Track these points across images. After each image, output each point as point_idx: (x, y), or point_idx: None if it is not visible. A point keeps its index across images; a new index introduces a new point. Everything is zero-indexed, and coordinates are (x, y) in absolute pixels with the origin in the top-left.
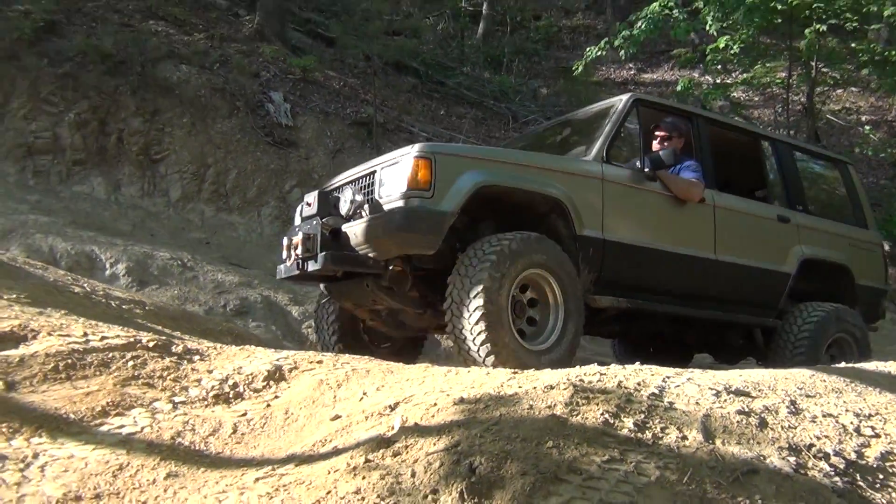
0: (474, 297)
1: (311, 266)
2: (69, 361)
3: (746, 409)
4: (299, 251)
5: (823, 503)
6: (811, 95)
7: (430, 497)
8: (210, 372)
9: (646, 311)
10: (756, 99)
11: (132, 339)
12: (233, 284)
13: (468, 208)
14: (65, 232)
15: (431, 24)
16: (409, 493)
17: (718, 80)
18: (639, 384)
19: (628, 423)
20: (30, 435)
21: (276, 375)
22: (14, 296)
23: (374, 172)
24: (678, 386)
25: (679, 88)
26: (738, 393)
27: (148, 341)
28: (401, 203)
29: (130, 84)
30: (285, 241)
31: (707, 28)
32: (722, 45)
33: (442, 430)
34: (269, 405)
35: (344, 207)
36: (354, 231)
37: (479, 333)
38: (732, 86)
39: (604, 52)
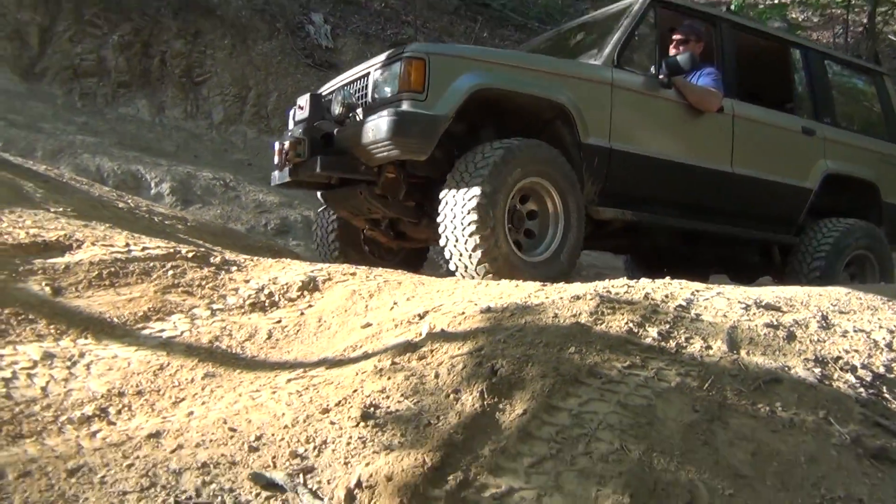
0: (469, 205)
1: (302, 172)
2: (112, 270)
3: (775, 323)
4: (289, 156)
5: (846, 412)
6: (872, 15)
7: (451, 396)
8: (247, 282)
9: (654, 225)
10: (815, 20)
11: (172, 250)
12: (273, 204)
13: (466, 113)
14: (111, 152)
15: None
16: (431, 392)
17: (775, 0)
18: (666, 296)
19: (652, 332)
20: (76, 336)
21: (310, 286)
22: (61, 209)
23: (367, 75)
24: (707, 299)
25: (733, 7)
26: (769, 307)
27: (187, 252)
28: (392, 106)
29: (172, 6)
30: (276, 145)
31: None
32: None
33: (467, 336)
34: (302, 313)
35: (336, 110)
36: (345, 135)
37: (473, 244)
38: (789, 5)
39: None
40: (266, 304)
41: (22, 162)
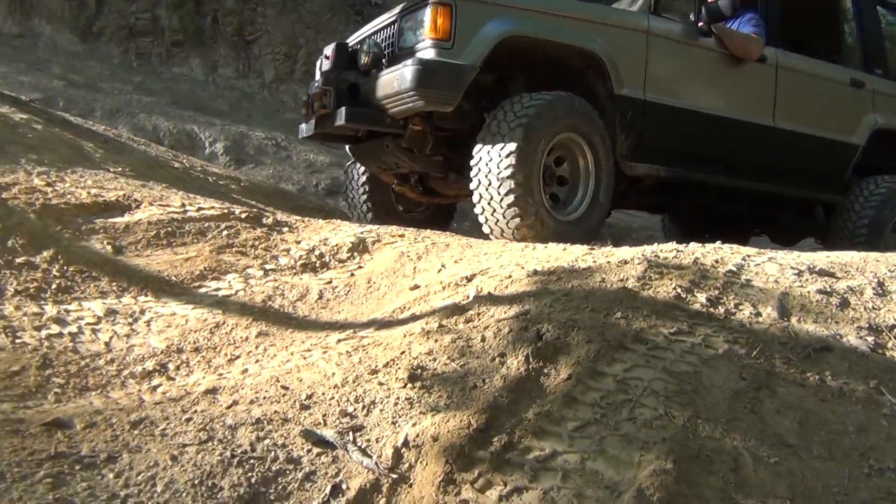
0: (505, 160)
1: (328, 124)
2: (169, 229)
3: (828, 289)
4: (315, 107)
5: None
6: None
7: (497, 359)
8: (298, 243)
9: (690, 182)
10: None
11: (226, 211)
12: (325, 164)
13: (495, 63)
14: (167, 111)
15: None
16: (477, 355)
17: None
18: (716, 261)
19: (700, 298)
20: (136, 294)
21: (359, 247)
22: (119, 169)
23: (394, 22)
24: (758, 265)
25: None
26: (822, 273)
27: (241, 213)
28: (417, 55)
29: None
30: (304, 97)
31: None
32: None
33: (514, 299)
34: (352, 274)
35: (362, 60)
36: (370, 86)
37: (508, 201)
38: None
39: None
40: (317, 265)
41: (82, 122)
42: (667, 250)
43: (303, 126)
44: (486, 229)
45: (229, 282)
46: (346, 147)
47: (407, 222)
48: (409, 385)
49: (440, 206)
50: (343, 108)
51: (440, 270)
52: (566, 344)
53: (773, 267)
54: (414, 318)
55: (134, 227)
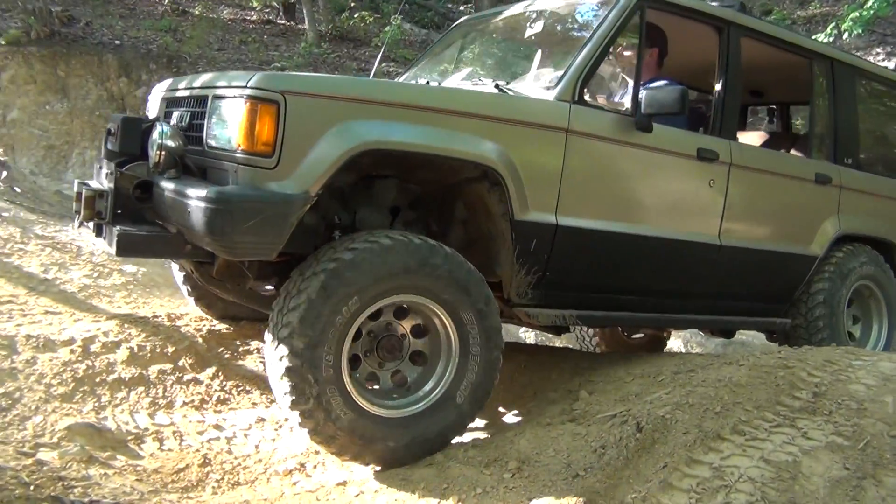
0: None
1: (102, 240)
2: None
3: None
4: (84, 215)
5: None
6: None
7: (598, 451)
8: None
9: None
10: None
11: None
12: None
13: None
14: None
15: None
16: (580, 449)
17: None
18: (825, 361)
19: (804, 395)
20: None
21: None
22: None
23: (207, 98)
24: (871, 363)
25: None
26: None
27: None
28: (222, 177)
29: None
30: (75, 186)
31: None
32: None
33: (617, 400)
34: None
35: (151, 153)
36: (161, 201)
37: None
38: None
39: (830, 37)
40: None
41: None
42: (772, 353)
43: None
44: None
45: None
46: None
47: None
48: (516, 475)
49: None
50: (117, 229)
51: (552, 379)
52: (664, 435)
53: (888, 365)
54: (526, 421)
55: None
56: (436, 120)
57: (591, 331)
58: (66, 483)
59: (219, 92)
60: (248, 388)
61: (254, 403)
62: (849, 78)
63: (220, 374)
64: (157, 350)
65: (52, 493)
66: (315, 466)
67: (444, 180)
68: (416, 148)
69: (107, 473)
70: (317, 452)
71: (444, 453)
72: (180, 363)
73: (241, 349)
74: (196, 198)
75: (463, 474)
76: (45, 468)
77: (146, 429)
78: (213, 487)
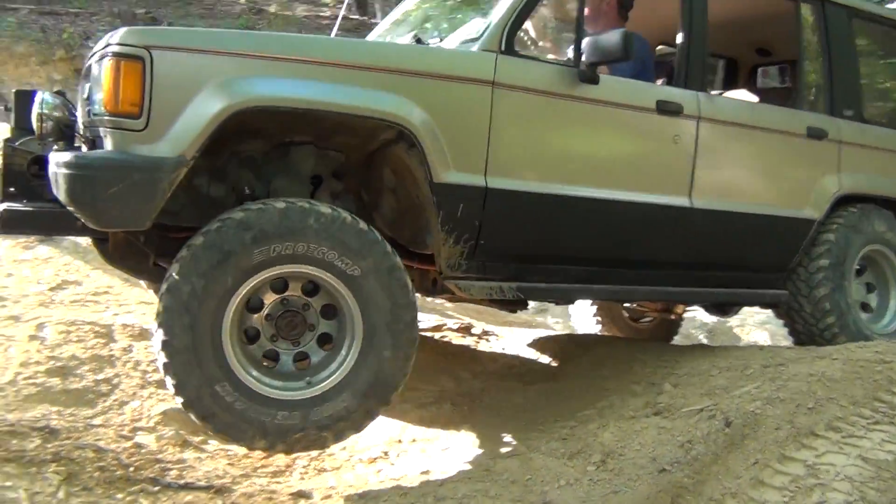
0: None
1: None
2: None
3: None
4: None
5: None
6: None
7: (685, 445)
8: (503, 349)
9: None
10: None
11: (440, 324)
12: None
13: (262, 123)
14: None
15: None
16: (665, 443)
17: None
18: None
19: None
20: None
21: (558, 353)
22: None
23: (92, 63)
24: None
25: None
26: None
27: (453, 324)
28: (86, 143)
29: None
30: None
31: None
32: None
33: (704, 394)
34: (554, 377)
35: (33, 123)
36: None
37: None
38: None
39: None
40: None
41: None
42: (868, 346)
43: None
44: None
45: (442, 385)
46: None
47: None
48: (600, 468)
49: None
50: (3, 207)
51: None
52: (754, 431)
53: None
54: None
55: None
56: (334, 75)
57: (592, 312)
58: (162, 465)
59: (96, 54)
60: None
61: None
62: (844, 20)
63: None
64: None
65: (150, 475)
66: (398, 455)
67: (364, 146)
68: (307, 105)
69: (200, 457)
70: (399, 441)
71: (526, 444)
72: None
73: None
74: (59, 164)
75: (546, 465)
76: (143, 451)
77: None
78: (301, 473)
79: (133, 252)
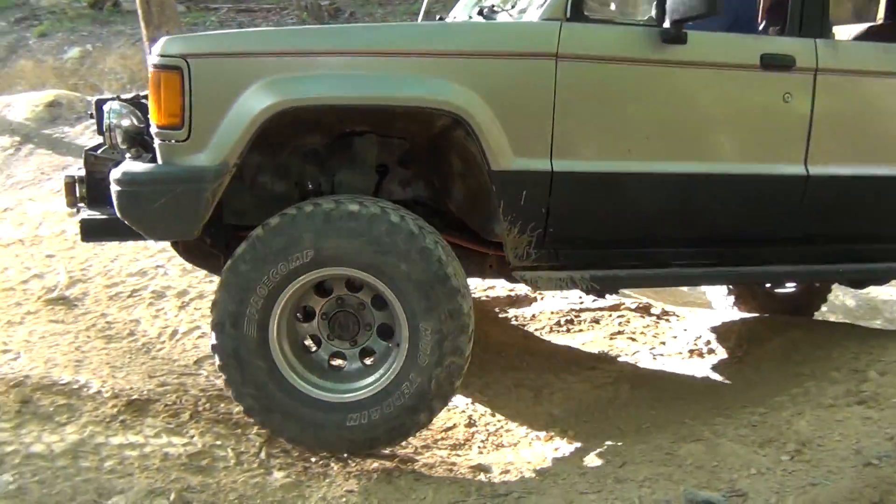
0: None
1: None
2: (568, 318)
3: None
4: (66, 199)
5: None
6: None
7: (894, 439)
8: (685, 330)
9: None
10: None
11: (618, 302)
12: None
13: (320, 119)
14: None
15: None
16: (871, 434)
17: None
18: None
19: None
20: (540, 371)
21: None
22: None
23: None
24: None
25: None
26: None
27: (631, 304)
28: (133, 155)
29: None
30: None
31: None
32: None
33: None
34: (740, 361)
35: (105, 138)
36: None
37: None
38: None
39: None
40: (704, 351)
41: None
42: None
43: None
44: None
45: (620, 366)
46: None
47: None
48: (796, 458)
49: None
50: (84, 217)
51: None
52: None
53: None
54: (803, 402)
55: (539, 315)
56: (377, 65)
57: (725, 291)
58: None
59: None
60: (503, 353)
61: (514, 368)
62: None
63: (480, 340)
64: None
65: None
66: (576, 434)
67: (426, 132)
68: (344, 101)
69: None
70: (576, 419)
71: (713, 430)
72: None
73: (500, 316)
74: (111, 179)
75: (735, 453)
76: None
77: None
78: (479, 447)
79: (204, 252)
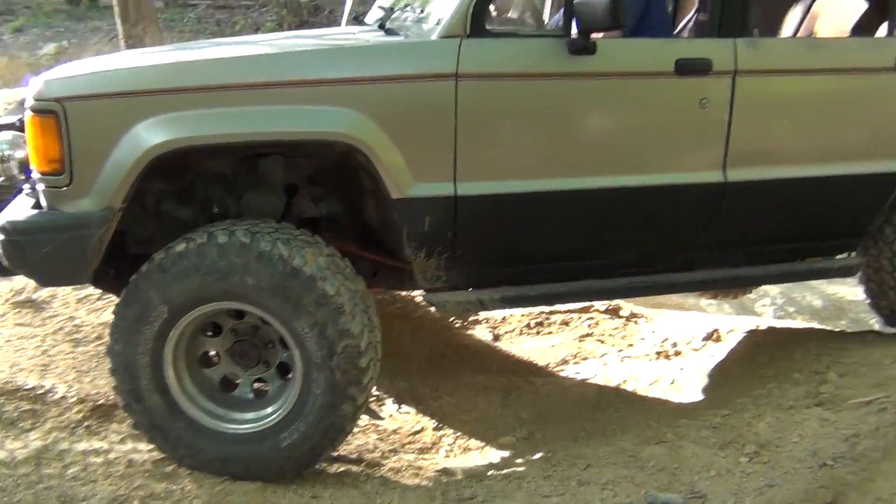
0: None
1: None
2: (539, 321)
3: None
4: None
5: None
6: None
7: (850, 440)
8: (653, 332)
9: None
10: None
11: (587, 305)
12: None
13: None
14: None
15: None
16: (828, 435)
17: None
18: None
19: None
20: (509, 374)
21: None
22: None
23: None
24: None
25: None
26: None
27: (601, 306)
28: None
29: None
30: None
31: None
32: None
33: (872, 385)
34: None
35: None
36: None
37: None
38: None
39: None
40: (670, 353)
41: None
42: None
43: None
44: None
45: (588, 367)
46: None
47: None
48: (755, 460)
49: None
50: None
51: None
52: None
53: None
54: (765, 403)
55: (510, 318)
56: (263, 97)
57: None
58: None
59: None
60: (472, 355)
61: (486, 371)
62: None
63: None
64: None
65: None
66: (542, 437)
67: (330, 154)
68: (230, 139)
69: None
70: (541, 422)
71: (676, 432)
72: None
73: (470, 319)
74: None
75: (696, 455)
76: None
77: (385, 392)
78: (446, 451)
79: (113, 282)
